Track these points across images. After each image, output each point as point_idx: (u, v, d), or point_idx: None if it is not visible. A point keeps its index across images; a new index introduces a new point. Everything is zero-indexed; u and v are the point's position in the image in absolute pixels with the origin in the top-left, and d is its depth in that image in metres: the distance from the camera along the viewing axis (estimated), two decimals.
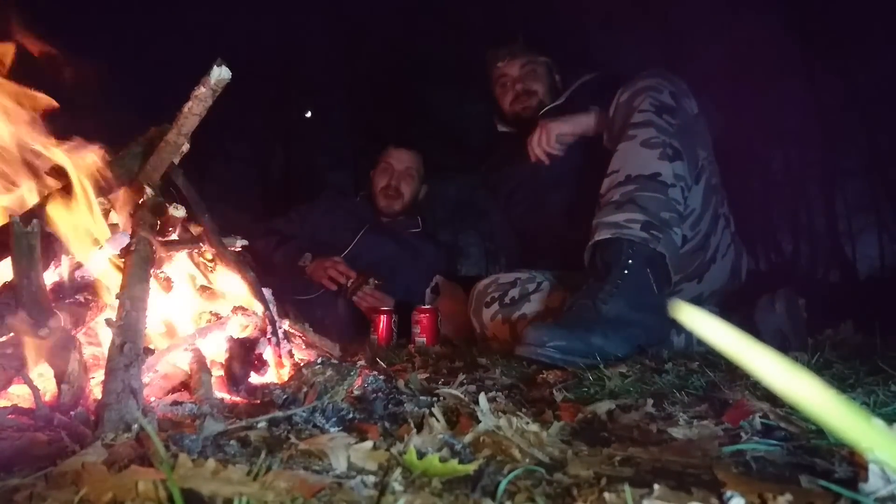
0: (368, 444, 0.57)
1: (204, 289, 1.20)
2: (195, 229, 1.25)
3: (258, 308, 1.13)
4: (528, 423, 0.64)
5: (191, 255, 1.21)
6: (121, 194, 1.16)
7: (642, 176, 1.42)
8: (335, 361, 0.98)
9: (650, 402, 0.79)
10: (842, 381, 0.88)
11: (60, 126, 1.11)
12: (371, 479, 0.50)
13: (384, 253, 2.47)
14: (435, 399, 0.81)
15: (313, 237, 2.49)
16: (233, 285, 1.21)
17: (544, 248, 1.94)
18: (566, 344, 1.18)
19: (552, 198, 1.94)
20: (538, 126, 1.79)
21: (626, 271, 1.32)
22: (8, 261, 0.86)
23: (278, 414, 0.70)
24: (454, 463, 0.51)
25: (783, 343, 1.35)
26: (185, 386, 0.92)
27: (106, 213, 1.11)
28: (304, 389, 0.83)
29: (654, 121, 1.48)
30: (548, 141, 1.75)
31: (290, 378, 0.95)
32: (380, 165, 2.64)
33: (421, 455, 0.53)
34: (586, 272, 1.45)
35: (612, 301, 1.27)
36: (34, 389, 0.73)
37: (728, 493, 0.44)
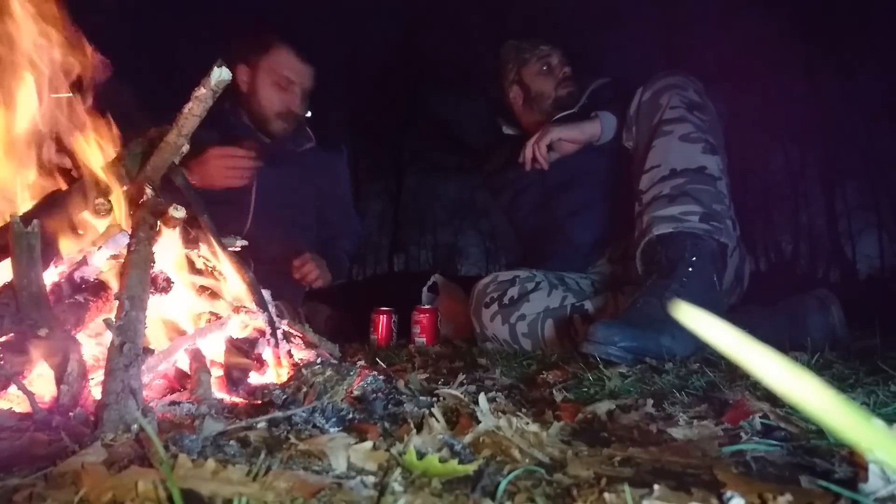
0: (368, 444, 0.57)
1: (203, 289, 1.20)
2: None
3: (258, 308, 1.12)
4: (527, 423, 0.64)
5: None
6: (121, 194, 1.16)
7: (689, 169, 1.43)
8: (335, 361, 0.98)
9: (650, 402, 0.79)
10: (842, 382, 0.88)
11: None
12: (371, 479, 0.50)
13: (289, 186, 2.01)
14: (435, 399, 0.81)
15: None
16: (233, 285, 1.21)
17: (551, 248, 1.94)
18: (638, 344, 1.18)
19: (560, 199, 1.94)
20: (542, 129, 1.78)
21: (690, 268, 1.32)
22: (8, 261, 0.86)
23: (278, 414, 0.70)
24: (454, 463, 0.51)
25: (832, 345, 1.28)
26: (184, 386, 0.92)
27: (106, 213, 1.11)
28: (304, 390, 0.83)
29: (687, 117, 1.49)
30: (539, 141, 1.73)
31: (290, 378, 0.95)
32: (265, 67, 1.96)
33: (421, 455, 0.53)
34: (642, 268, 1.44)
35: (680, 299, 1.27)
36: (28, 394, 0.73)
37: (728, 494, 0.44)
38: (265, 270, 1.75)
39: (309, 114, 2.11)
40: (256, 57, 2.00)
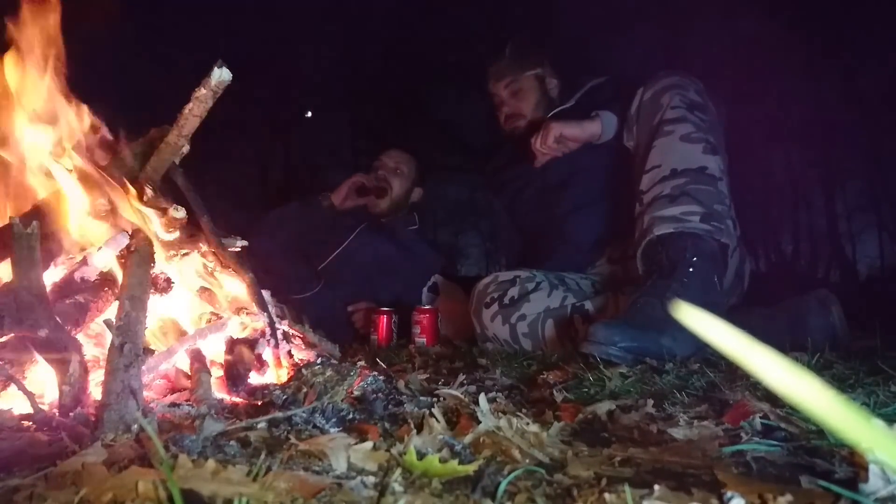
0: (368, 444, 0.57)
1: (203, 290, 1.19)
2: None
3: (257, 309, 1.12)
4: (528, 423, 0.64)
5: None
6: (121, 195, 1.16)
7: (690, 170, 1.43)
8: (335, 362, 0.98)
9: (650, 402, 0.79)
10: (842, 382, 0.88)
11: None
12: (371, 479, 0.50)
13: (380, 252, 2.45)
14: (435, 399, 0.81)
15: (300, 238, 2.44)
16: (233, 286, 1.21)
17: (551, 248, 1.94)
18: (638, 345, 1.18)
19: (560, 197, 1.94)
20: (542, 126, 1.79)
21: (691, 269, 1.32)
22: (8, 261, 0.86)
23: (278, 414, 0.70)
24: (454, 464, 0.51)
25: (832, 346, 1.27)
26: (184, 386, 0.92)
27: (106, 214, 1.11)
28: (304, 390, 0.83)
29: (688, 117, 1.49)
30: (543, 141, 1.74)
31: (290, 378, 0.95)
32: (373, 165, 2.66)
33: (421, 456, 0.53)
34: (643, 268, 1.44)
35: (680, 299, 1.26)
36: (28, 394, 0.73)
37: (728, 494, 0.44)
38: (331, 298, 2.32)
39: (418, 196, 2.66)
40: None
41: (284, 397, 0.80)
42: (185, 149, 1.18)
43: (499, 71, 2.08)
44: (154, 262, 1.01)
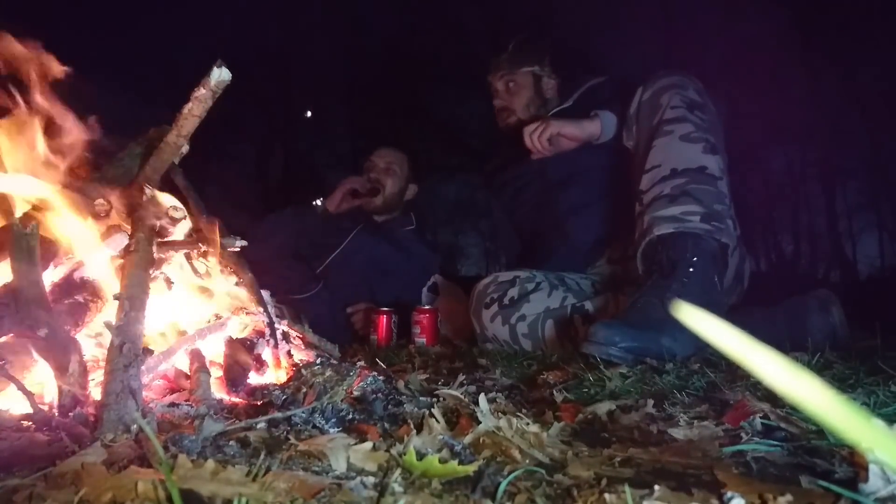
0: (368, 444, 0.57)
1: (203, 289, 1.19)
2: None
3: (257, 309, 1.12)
4: (528, 423, 0.64)
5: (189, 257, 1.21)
6: (120, 195, 1.16)
7: (690, 169, 1.43)
8: (334, 362, 0.98)
9: (650, 402, 0.79)
10: (842, 382, 0.88)
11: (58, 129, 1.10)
12: (371, 479, 0.50)
13: (377, 253, 2.46)
14: (435, 400, 0.81)
15: (298, 241, 2.46)
16: (232, 286, 1.21)
17: (551, 248, 1.94)
18: (638, 345, 1.19)
19: (560, 197, 1.94)
20: (541, 121, 1.79)
21: (691, 269, 1.32)
22: (7, 262, 0.86)
23: (277, 415, 0.70)
24: (454, 464, 0.51)
25: (832, 346, 1.26)
26: (184, 387, 0.92)
27: (106, 214, 1.11)
28: (304, 390, 0.83)
29: (688, 116, 1.49)
30: (540, 136, 1.74)
31: (290, 379, 0.95)
32: (364, 165, 2.69)
33: (421, 456, 0.53)
34: (643, 268, 1.44)
35: (680, 299, 1.26)
36: (28, 394, 0.73)
37: (728, 494, 0.43)
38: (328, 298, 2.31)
39: (412, 193, 2.66)
40: None
41: (284, 397, 0.80)
42: (185, 149, 1.18)
43: (497, 63, 2.10)
44: (154, 263, 1.01)
